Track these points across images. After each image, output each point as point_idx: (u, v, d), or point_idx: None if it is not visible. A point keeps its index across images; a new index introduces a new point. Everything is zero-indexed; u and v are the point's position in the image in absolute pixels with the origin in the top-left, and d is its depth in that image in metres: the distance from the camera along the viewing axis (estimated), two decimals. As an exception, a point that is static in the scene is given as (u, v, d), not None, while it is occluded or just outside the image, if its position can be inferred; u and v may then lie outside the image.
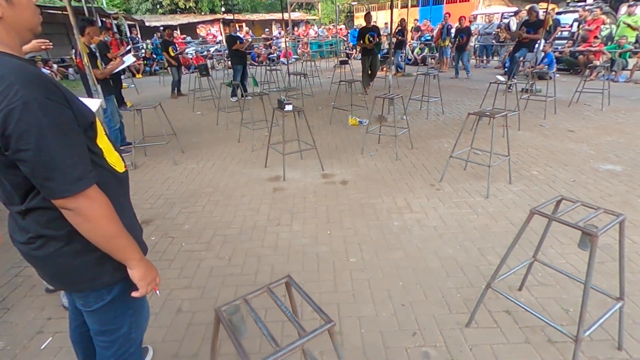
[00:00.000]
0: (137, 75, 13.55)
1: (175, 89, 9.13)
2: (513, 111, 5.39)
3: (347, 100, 6.15)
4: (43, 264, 1.03)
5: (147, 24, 19.75)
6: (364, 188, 3.61)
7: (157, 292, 1.16)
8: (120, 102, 7.27)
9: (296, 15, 24.89)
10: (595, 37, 9.02)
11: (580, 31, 10.00)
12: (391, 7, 5.99)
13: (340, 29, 21.12)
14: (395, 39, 10.35)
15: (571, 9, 12.91)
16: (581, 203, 1.61)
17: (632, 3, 9.90)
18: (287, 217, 3.13)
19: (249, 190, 3.70)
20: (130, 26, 17.80)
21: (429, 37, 13.70)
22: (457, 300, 2.10)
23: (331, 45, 17.54)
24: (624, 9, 10.00)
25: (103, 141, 1.04)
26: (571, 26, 10.86)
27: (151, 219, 3.19)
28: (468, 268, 2.37)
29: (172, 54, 8.61)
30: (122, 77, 10.08)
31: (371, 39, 7.38)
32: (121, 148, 4.86)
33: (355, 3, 28.65)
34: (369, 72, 7.98)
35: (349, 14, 30.74)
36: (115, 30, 13.42)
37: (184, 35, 19.25)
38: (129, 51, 10.59)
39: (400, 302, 2.11)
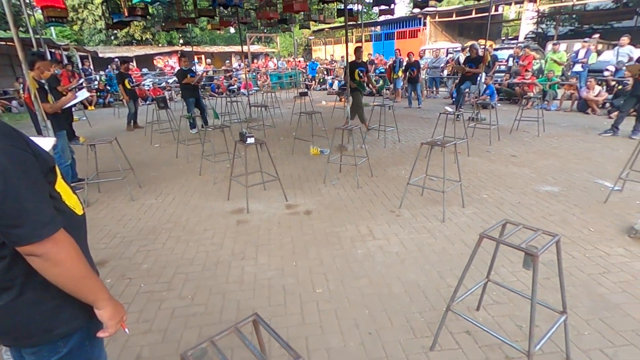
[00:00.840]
0: (90, 107, 13.03)
1: (132, 121, 8.89)
2: (462, 139, 5.81)
3: (308, 131, 6.31)
4: None
5: (100, 55, 19.28)
6: (328, 217, 3.68)
7: (126, 330, 1.13)
8: (72, 137, 6.94)
9: (255, 47, 25.47)
10: (527, 71, 10.07)
11: (514, 66, 11.12)
12: (346, 42, 6.37)
13: (299, 61, 21.86)
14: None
15: (506, 45, 14.40)
16: (523, 226, 1.77)
17: (555, 42, 11.24)
18: (252, 250, 3.10)
19: (211, 224, 3.63)
20: (82, 57, 17.25)
21: (383, 70, 14.54)
22: (421, 324, 2.17)
23: (291, 77, 18.04)
24: (549, 46, 11.32)
25: (61, 185, 1.03)
26: (507, 61, 12.05)
27: (106, 260, 3.02)
28: (429, 291, 2.47)
29: (128, 86, 8.45)
30: (73, 109, 9.67)
31: (361, 74, 6.99)
32: (72, 185, 4.60)
33: (313, 37, 29.95)
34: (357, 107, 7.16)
35: (307, 47, 31.98)
36: (66, 61, 12.96)
37: (143, 68, 18.94)
38: (81, 85, 10.25)
39: (366, 330, 2.14)
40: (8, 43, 12.82)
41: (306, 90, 11.80)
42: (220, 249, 3.14)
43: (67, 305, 0.99)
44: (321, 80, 17.73)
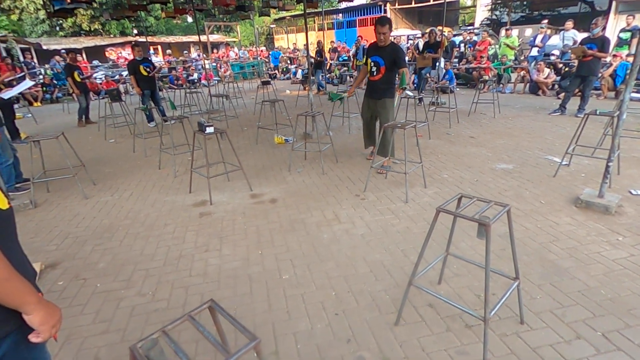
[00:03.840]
0: (35, 104, 12.11)
1: (83, 116, 8.35)
2: (423, 122, 5.95)
3: (272, 120, 6.21)
4: None
5: (44, 47, 17.90)
6: (294, 204, 3.65)
7: (56, 339, 1.04)
8: (14, 135, 6.43)
9: (215, 37, 24.64)
10: (482, 56, 10.44)
11: (467, 51, 11.50)
12: (306, 30, 6.29)
13: (261, 50, 21.40)
14: (314, 60, 10.80)
15: (462, 31, 14.81)
16: (477, 198, 1.83)
17: (508, 27, 11.70)
18: (216, 242, 3.02)
19: (172, 218, 3.50)
20: (23, 50, 15.93)
21: (346, 57, 14.56)
22: (386, 302, 2.21)
23: (253, 66, 17.64)
24: (503, 32, 11.78)
25: None
26: (459, 47, 12.43)
27: (58, 262, 2.84)
28: (394, 270, 2.52)
29: (78, 79, 7.90)
30: (16, 106, 8.94)
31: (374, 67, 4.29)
32: (16, 186, 4.27)
33: (274, 26, 29.36)
34: (371, 125, 4.63)
35: (268, 36, 31.34)
36: (4, 54, 11.91)
37: (94, 60, 17.81)
38: (23, 77, 9.47)
39: (333, 312, 2.15)
40: None
41: (269, 80, 11.57)
42: (183, 243, 3.04)
43: None
44: (284, 69, 17.48)
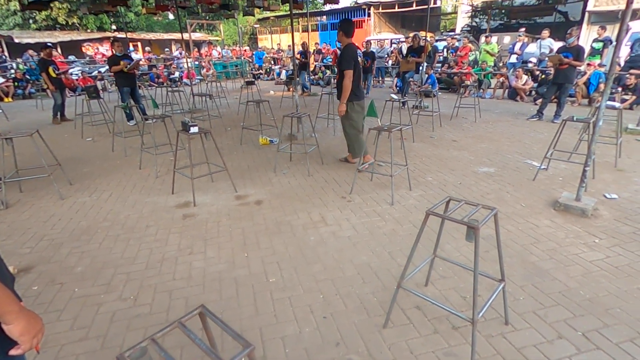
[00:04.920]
0: (6, 99, 11.58)
1: (58, 113, 8.03)
2: (407, 125, 6.01)
3: (257, 120, 6.15)
4: None
5: (16, 40, 17.20)
6: (279, 206, 3.62)
7: (38, 351, 0.98)
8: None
9: (197, 35, 24.25)
10: (463, 62, 10.69)
11: (449, 56, 11.75)
12: (292, 31, 6.27)
13: (245, 50, 21.20)
14: (298, 61, 10.79)
15: (444, 37, 15.14)
16: (465, 202, 1.86)
17: (487, 34, 12.02)
18: (200, 244, 2.95)
19: (154, 220, 3.40)
20: (-7, 43, 15.22)
21: (330, 59, 14.60)
22: (374, 304, 2.21)
23: (236, 66, 17.45)
24: (483, 39, 12.10)
25: None
26: (442, 52, 12.70)
27: (32, 265, 2.70)
28: (381, 272, 2.53)
29: (53, 74, 7.60)
30: (-15, 101, 8.52)
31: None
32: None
33: (258, 26, 29.17)
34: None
35: (252, 36, 31.11)
36: (-28, 46, 11.34)
37: (70, 56, 17.20)
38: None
39: (321, 315, 2.14)
40: None
41: (253, 80, 11.48)
42: (165, 245, 2.95)
43: None
44: (268, 69, 17.37)
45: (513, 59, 10.38)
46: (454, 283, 2.39)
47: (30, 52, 13.90)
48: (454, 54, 11.46)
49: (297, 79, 8.04)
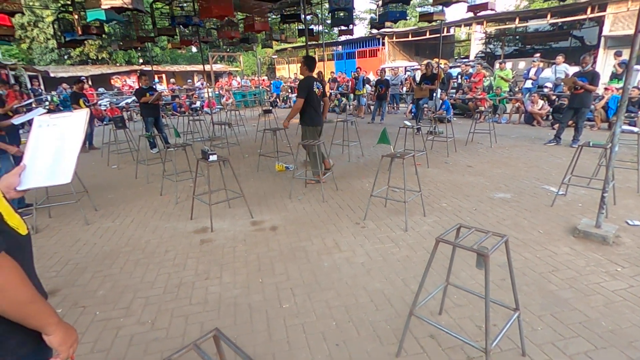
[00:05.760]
0: (40, 129, 12.29)
1: (87, 142, 8.49)
2: (421, 151, 6.07)
3: (273, 147, 6.33)
4: None
5: (52, 74, 18.43)
6: (294, 232, 3.68)
7: (73, 359, 1.06)
8: (18, 160, 6.51)
9: (218, 66, 25.37)
10: (477, 88, 10.78)
11: (463, 82, 11.89)
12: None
13: (263, 80, 22.00)
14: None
15: (458, 64, 15.35)
16: (475, 229, 1.88)
17: (502, 61, 12.15)
18: (217, 270, 3.02)
19: (173, 245, 3.51)
20: (31, 77, 16.37)
21: (343, 87, 14.99)
22: (387, 332, 2.20)
23: (255, 95, 18.08)
24: (497, 65, 12.21)
25: (2, 204, 0.98)
26: (456, 78, 12.85)
27: (57, 289, 2.82)
28: (394, 299, 2.52)
29: (83, 106, 8.10)
30: (21, 131, 9.10)
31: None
32: (19, 211, 4.28)
33: (276, 56, 30.33)
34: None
35: (270, 65, 32.32)
36: (13, 81, 12.24)
37: (99, 88, 18.28)
38: (30, 105, 9.69)
39: (334, 342, 2.14)
40: (-54, 62, 12.00)
41: (270, 108, 11.85)
42: (183, 270, 3.04)
43: (14, 332, 0.92)
44: (285, 98, 17.91)
45: (528, 84, 10.39)
46: (468, 311, 2.35)
47: (64, 85, 14.86)
48: (467, 80, 11.58)
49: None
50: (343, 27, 8.59)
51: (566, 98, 7.95)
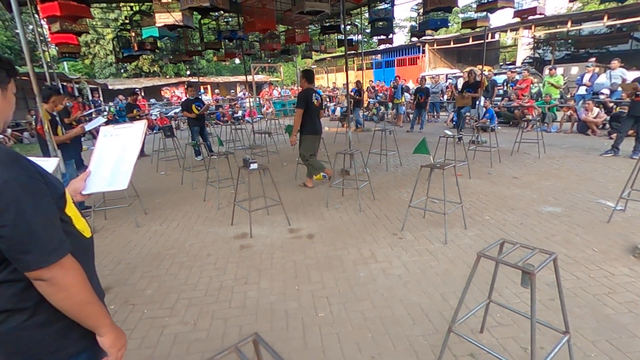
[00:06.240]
0: (98, 137, 13.37)
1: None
2: (463, 161, 5.88)
3: (311, 156, 6.41)
4: (2, 340, 1.00)
5: (110, 87, 19.98)
6: (330, 241, 3.70)
7: None
8: (80, 165, 7.10)
9: (259, 77, 26.24)
10: (523, 95, 10.26)
11: (509, 89, 11.38)
12: (346, 70, 6.62)
13: (302, 89, 22.41)
14: (352, 98, 11.17)
15: (504, 71, 14.73)
16: (520, 244, 1.79)
17: (552, 66, 11.50)
18: (255, 275, 3.11)
19: (215, 249, 3.66)
20: (92, 89, 17.89)
21: (380, 96, 14.92)
22: (424, 348, 2.14)
23: (294, 104, 18.48)
24: (546, 71, 11.58)
25: (71, 209, 1.09)
26: (503, 85, 12.33)
27: (110, 286, 3.04)
28: (432, 314, 2.45)
29: (137, 116, 8.72)
30: (82, 139, 9.95)
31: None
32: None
33: (315, 66, 30.83)
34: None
35: (309, 75, 32.84)
36: (77, 94, 13.44)
37: (151, 99, 19.56)
38: (91, 115, 10.58)
39: (369, 354, 2.12)
40: (22, 77, 13.38)
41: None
42: (224, 274, 3.15)
43: (76, 325, 1.02)
44: (324, 107, 18.12)
45: (582, 90, 9.76)
46: (513, 332, 2.23)
47: (120, 97, 16.08)
48: (513, 87, 11.08)
49: (351, 115, 8.31)
50: (382, 37, 8.59)
51: (626, 105, 7.36)
